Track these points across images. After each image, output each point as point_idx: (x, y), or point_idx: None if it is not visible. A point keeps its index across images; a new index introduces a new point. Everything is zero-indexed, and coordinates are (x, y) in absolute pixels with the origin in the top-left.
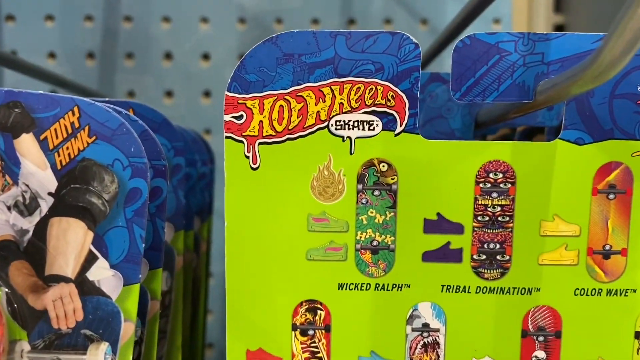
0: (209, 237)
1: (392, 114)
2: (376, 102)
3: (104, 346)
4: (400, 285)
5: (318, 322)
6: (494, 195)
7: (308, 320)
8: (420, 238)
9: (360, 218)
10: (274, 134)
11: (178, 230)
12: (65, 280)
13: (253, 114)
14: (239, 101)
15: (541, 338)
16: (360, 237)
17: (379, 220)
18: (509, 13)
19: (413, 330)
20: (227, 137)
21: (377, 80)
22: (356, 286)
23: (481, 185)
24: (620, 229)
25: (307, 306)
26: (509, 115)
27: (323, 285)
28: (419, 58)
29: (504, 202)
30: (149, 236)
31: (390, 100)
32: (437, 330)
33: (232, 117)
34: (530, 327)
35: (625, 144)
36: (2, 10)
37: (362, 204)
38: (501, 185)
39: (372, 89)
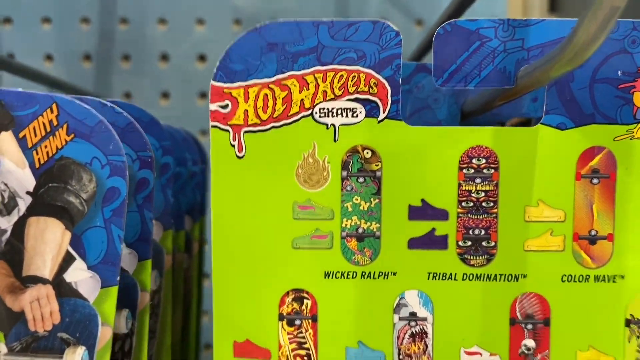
0: (202, 237)
1: (374, 101)
2: (359, 89)
3: (81, 350)
4: (386, 273)
5: (305, 311)
6: (478, 180)
7: (295, 310)
8: (405, 225)
9: (345, 205)
10: (259, 122)
11: (167, 229)
12: (43, 281)
13: (238, 102)
14: (225, 90)
15: (530, 326)
16: (346, 225)
17: (363, 207)
18: (504, 12)
19: (400, 319)
20: (212, 127)
21: (360, 67)
22: (342, 274)
23: (464, 170)
24: (606, 214)
25: (293, 296)
26: (493, 103)
27: (309, 274)
28: (400, 45)
29: (487, 188)
30: (136, 227)
31: (372, 88)
32: (425, 319)
33: (218, 106)
34: (518, 314)
35: (607, 129)
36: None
37: (347, 190)
38: (484, 171)
39: (354, 76)
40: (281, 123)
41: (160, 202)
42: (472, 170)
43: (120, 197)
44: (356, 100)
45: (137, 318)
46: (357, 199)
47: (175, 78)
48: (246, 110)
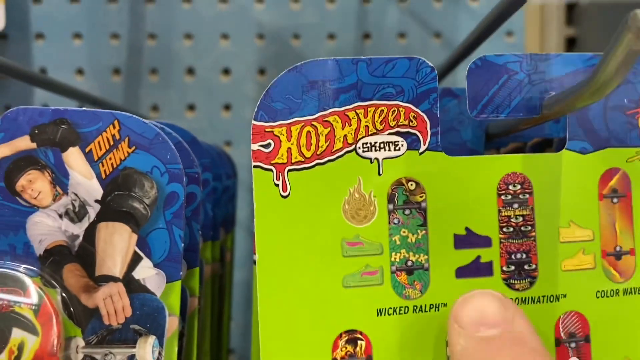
0: (232, 247)
1: (415, 134)
2: (399, 123)
3: (152, 339)
4: (437, 305)
5: (359, 353)
6: (515, 205)
7: (349, 353)
8: (452, 254)
9: (393, 239)
10: (302, 160)
11: (206, 240)
12: (114, 279)
13: (281, 141)
14: (266, 129)
15: (573, 344)
16: (395, 259)
17: (411, 240)
18: (521, 26)
19: None
20: (255, 167)
21: (399, 102)
22: (395, 310)
23: (502, 197)
24: (626, 230)
25: (346, 337)
26: (518, 127)
27: (361, 313)
28: (436, 80)
29: (524, 212)
30: (185, 238)
31: (412, 121)
32: None
33: (260, 145)
34: (562, 334)
35: (621, 151)
36: (32, 29)
37: (394, 224)
38: (520, 196)
39: (394, 110)
40: (325, 160)
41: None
42: (510, 196)
43: (179, 201)
44: (397, 133)
45: (187, 321)
46: (404, 232)
47: (200, 91)
48: (289, 149)
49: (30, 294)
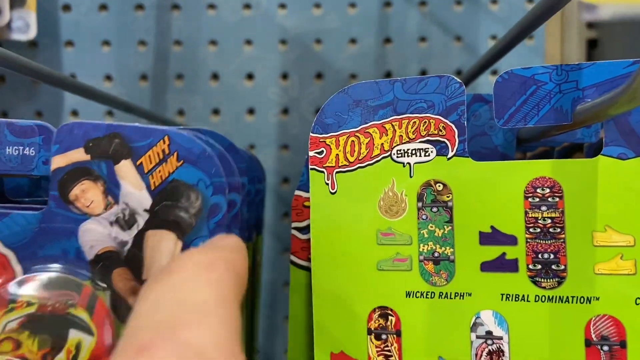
0: (262, 249)
1: (444, 142)
2: (430, 132)
3: None
4: (462, 294)
5: (390, 327)
6: (543, 208)
7: (381, 325)
8: (477, 249)
9: (421, 232)
10: (347, 164)
11: (247, 242)
12: None
13: (331, 149)
14: (320, 140)
15: (606, 347)
16: (423, 249)
17: (438, 234)
18: (542, 29)
19: (477, 337)
20: (311, 169)
21: (430, 115)
22: (422, 294)
23: (530, 199)
24: None
25: (379, 312)
26: (550, 133)
27: (393, 293)
28: (464, 94)
29: (553, 215)
30: None
31: (441, 130)
32: (501, 338)
33: (315, 152)
34: (593, 336)
35: None
36: (62, 37)
37: (423, 219)
38: (549, 200)
39: (426, 122)
40: (365, 164)
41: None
42: (538, 199)
43: (221, 212)
44: (428, 141)
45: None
46: (432, 227)
47: (224, 95)
48: (337, 155)
49: (84, 296)
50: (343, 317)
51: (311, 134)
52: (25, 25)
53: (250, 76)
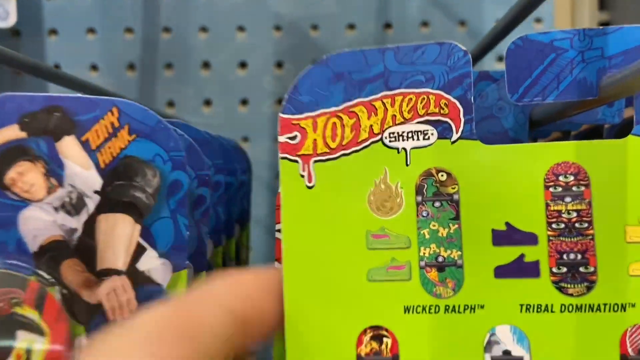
0: (248, 244)
1: (446, 122)
2: (429, 111)
3: None
4: (472, 307)
5: (385, 351)
6: (567, 199)
7: (374, 350)
8: (490, 251)
9: (422, 232)
10: (328, 151)
11: (217, 246)
12: (117, 272)
13: (307, 133)
14: (293, 122)
15: None
16: (424, 253)
17: (442, 234)
18: (550, 11)
19: (493, 359)
20: (282, 158)
21: (429, 89)
22: (424, 309)
23: (551, 189)
24: None
25: (371, 334)
26: (568, 112)
27: (387, 309)
28: (470, 64)
29: (579, 207)
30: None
31: (443, 108)
32: (521, 359)
33: (287, 138)
34: (629, 350)
35: None
36: (45, 24)
37: (423, 216)
38: (574, 189)
39: (424, 98)
40: (350, 150)
41: (211, 219)
42: (560, 189)
43: (182, 189)
44: (427, 122)
45: None
46: (434, 225)
47: (217, 85)
48: (315, 140)
49: (31, 293)
50: (324, 342)
51: (281, 115)
52: (5, 13)
53: (243, 65)
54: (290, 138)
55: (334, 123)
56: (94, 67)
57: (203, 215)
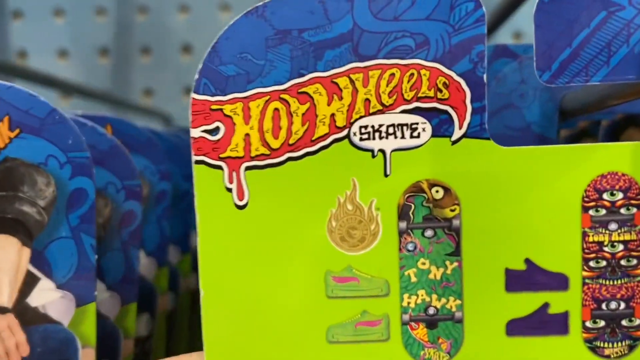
0: (190, 272)
1: (445, 111)
2: (420, 94)
3: None
4: None
5: None
6: (613, 227)
7: None
8: (502, 300)
9: (406, 273)
10: (267, 152)
11: (162, 266)
12: (2, 311)
13: (235, 124)
14: (213, 107)
15: None
16: (409, 303)
17: (435, 276)
18: None
19: None
20: (197, 162)
21: (421, 61)
22: None
23: (591, 212)
24: None
25: None
26: (612, 100)
27: None
28: (483, 22)
29: (628, 237)
30: (120, 267)
31: (441, 91)
32: None
33: (204, 131)
34: None
35: None
36: (9, 5)
37: (409, 251)
38: (622, 211)
39: (412, 74)
40: (302, 152)
41: (155, 235)
42: (604, 211)
43: (88, 200)
44: (416, 111)
45: None
46: (424, 263)
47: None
48: (247, 136)
49: None
50: None
51: (194, 95)
52: None
53: None
54: (208, 132)
55: (277, 110)
56: (63, 53)
57: (132, 236)
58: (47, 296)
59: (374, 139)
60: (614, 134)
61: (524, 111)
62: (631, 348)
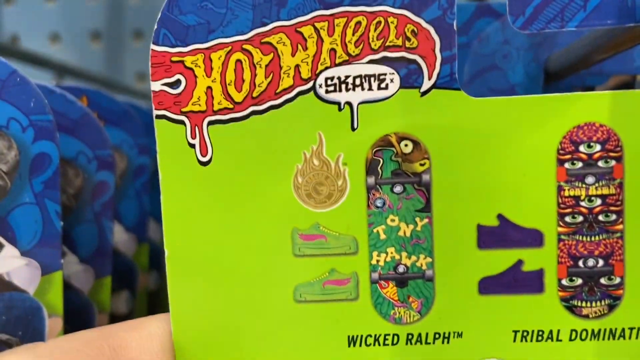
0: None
1: (414, 61)
2: (387, 43)
3: None
4: (446, 335)
5: None
6: (590, 180)
7: None
8: (474, 257)
9: (375, 231)
10: (231, 106)
11: (142, 242)
12: None
13: (196, 77)
14: (173, 59)
15: None
16: (378, 261)
17: (405, 233)
18: None
19: None
20: (158, 117)
21: (388, 7)
22: (377, 339)
23: (567, 165)
24: None
25: None
26: (598, 55)
27: (323, 342)
28: None
29: (606, 191)
30: (93, 240)
31: (410, 39)
32: None
33: (164, 84)
34: None
35: None
36: None
37: (377, 207)
38: (600, 164)
39: (379, 22)
40: (266, 106)
41: (134, 211)
42: (580, 164)
43: (52, 165)
44: (384, 61)
45: None
46: (393, 220)
47: None
48: (209, 89)
49: None
50: None
51: (153, 47)
52: None
53: None
54: (169, 85)
55: (239, 61)
56: (55, 37)
57: (105, 207)
58: (11, 263)
59: (340, 91)
60: None
61: (507, 73)
62: (611, 308)
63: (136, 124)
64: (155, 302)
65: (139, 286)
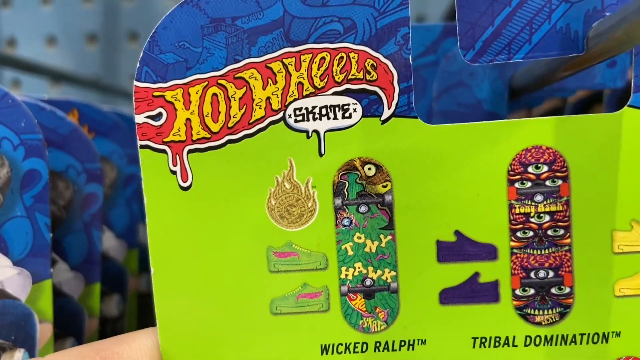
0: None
1: (374, 92)
2: (350, 76)
3: (20, 354)
4: (411, 342)
5: None
6: (538, 198)
7: None
8: (434, 270)
9: (343, 247)
10: (208, 136)
11: (132, 247)
12: None
13: (176, 110)
14: (155, 93)
15: None
16: (347, 275)
17: (370, 249)
18: None
19: None
20: (142, 147)
21: (349, 44)
22: (347, 348)
23: (517, 185)
24: None
25: None
26: (556, 74)
27: (298, 351)
28: (407, 5)
29: (554, 208)
30: (83, 248)
31: (370, 73)
32: None
33: (147, 117)
34: None
35: None
36: None
37: (345, 226)
38: (547, 183)
39: (342, 57)
40: (240, 135)
41: (124, 218)
42: (529, 184)
43: (41, 181)
44: (347, 92)
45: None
46: (359, 237)
47: None
48: (188, 120)
49: None
50: None
51: (136, 83)
52: None
53: None
54: (152, 117)
55: (215, 95)
56: (52, 40)
57: (94, 218)
58: (3, 273)
59: (308, 120)
60: (581, 111)
61: (474, 89)
62: (562, 315)
63: (125, 135)
64: (146, 304)
65: (129, 289)
